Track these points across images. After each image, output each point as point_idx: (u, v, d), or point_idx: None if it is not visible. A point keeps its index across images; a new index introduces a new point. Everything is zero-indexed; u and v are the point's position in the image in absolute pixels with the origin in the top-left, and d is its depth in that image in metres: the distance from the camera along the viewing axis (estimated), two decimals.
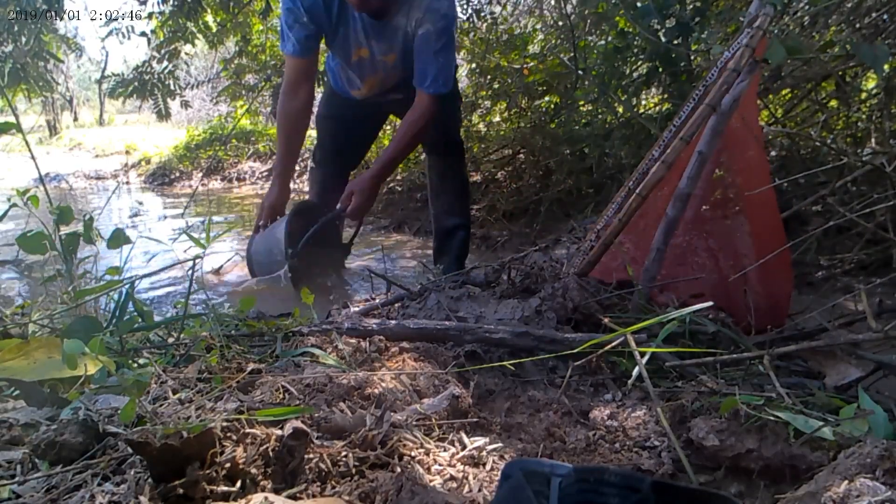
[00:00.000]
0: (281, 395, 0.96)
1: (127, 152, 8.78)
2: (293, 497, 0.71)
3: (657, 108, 3.32)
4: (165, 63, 4.44)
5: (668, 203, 1.43)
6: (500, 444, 0.90)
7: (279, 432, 0.76)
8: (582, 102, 3.56)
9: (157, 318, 1.40)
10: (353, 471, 0.77)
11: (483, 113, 4.37)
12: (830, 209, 2.16)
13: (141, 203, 5.41)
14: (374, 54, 2.09)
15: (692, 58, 2.58)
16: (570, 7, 3.53)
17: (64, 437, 0.82)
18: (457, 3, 2.99)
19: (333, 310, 1.59)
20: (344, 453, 0.78)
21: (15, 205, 1.37)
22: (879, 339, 1.06)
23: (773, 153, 2.76)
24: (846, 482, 0.66)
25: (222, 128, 7.47)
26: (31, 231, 1.36)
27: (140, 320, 1.33)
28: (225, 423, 0.75)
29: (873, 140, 2.41)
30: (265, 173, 6.71)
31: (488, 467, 0.83)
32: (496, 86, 4.06)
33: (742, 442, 0.85)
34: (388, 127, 4.37)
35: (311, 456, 0.76)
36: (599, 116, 3.57)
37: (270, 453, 0.73)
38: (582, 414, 1.03)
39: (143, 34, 4.35)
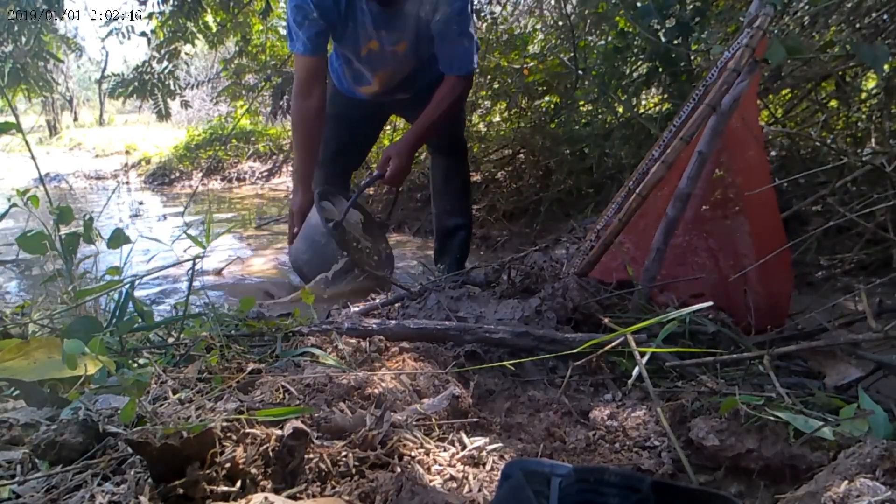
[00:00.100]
0: (281, 395, 0.96)
1: (127, 152, 8.78)
2: (293, 497, 0.71)
3: (657, 108, 3.32)
4: (165, 63, 4.44)
5: (668, 203, 1.43)
6: (500, 444, 0.90)
7: (279, 432, 0.76)
8: (582, 102, 3.56)
9: (157, 318, 1.40)
10: (353, 471, 0.77)
11: (483, 113, 4.37)
12: (830, 209, 2.16)
13: (141, 203, 5.41)
14: (384, 46, 2.07)
15: (692, 58, 2.58)
16: (570, 7, 3.53)
17: (64, 437, 0.82)
18: None
19: (333, 310, 1.59)
20: (344, 453, 0.78)
21: (15, 205, 1.37)
22: (879, 339, 1.06)
23: (773, 153, 2.76)
24: (846, 482, 0.66)
25: (222, 128, 7.47)
26: (31, 231, 1.36)
27: (140, 320, 1.33)
28: (225, 423, 0.75)
29: (873, 140, 2.41)
30: (265, 173, 6.71)
31: (488, 467, 0.83)
32: (496, 86, 4.06)
33: (742, 442, 0.85)
34: (388, 127, 4.38)
35: (311, 456, 0.76)
36: (599, 116, 3.57)
37: (270, 453, 0.73)
38: (582, 414, 1.03)
39: (143, 34, 4.35)
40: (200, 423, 0.79)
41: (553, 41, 3.91)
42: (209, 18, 4.36)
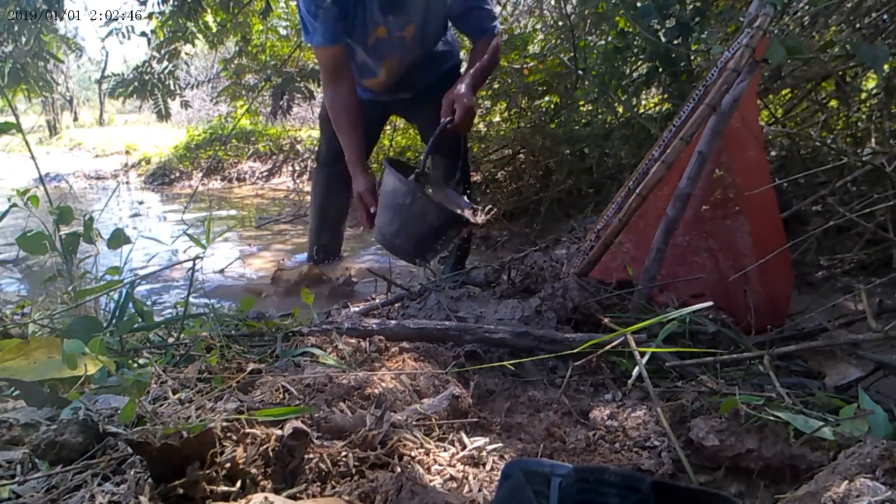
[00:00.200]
0: (281, 395, 0.97)
1: (127, 152, 8.78)
2: (293, 497, 0.71)
3: (657, 108, 3.32)
4: (165, 63, 4.44)
5: (668, 203, 1.43)
6: (500, 444, 0.90)
7: (279, 432, 0.76)
8: (582, 102, 3.56)
9: (157, 318, 1.40)
10: (353, 471, 0.77)
11: (483, 113, 4.36)
12: (830, 209, 2.16)
13: (141, 203, 5.41)
14: (391, 32, 2.06)
15: (692, 58, 2.58)
16: (570, 7, 3.53)
17: (64, 437, 0.82)
18: None
19: (333, 310, 1.59)
20: (344, 453, 0.78)
21: (15, 205, 1.37)
22: (879, 339, 1.06)
23: (773, 153, 2.76)
24: (846, 482, 0.66)
25: (222, 128, 7.46)
26: (31, 231, 1.36)
27: (140, 320, 1.33)
28: (225, 423, 0.75)
29: (873, 140, 2.41)
30: (265, 173, 6.71)
31: (488, 467, 0.83)
32: (496, 86, 4.06)
33: (742, 442, 0.85)
34: (388, 127, 4.38)
35: (311, 456, 0.76)
36: (599, 116, 3.57)
37: (270, 453, 0.73)
38: (582, 414, 1.03)
39: (143, 34, 4.34)
40: (200, 423, 0.79)
41: (553, 41, 3.90)
42: (209, 18, 4.36)
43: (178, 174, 7.15)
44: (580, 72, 3.28)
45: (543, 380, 1.18)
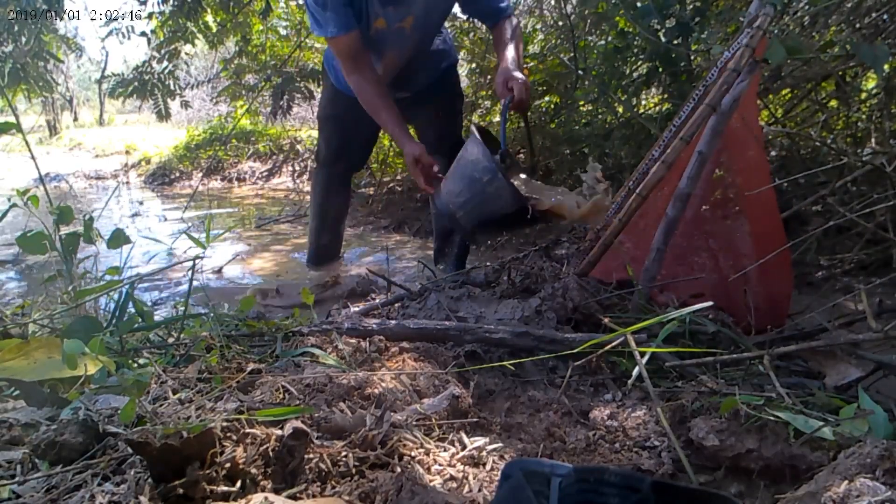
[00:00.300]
0: (281, 395, 0.97)
1: (127, 152, 8.78)
2: (293, 497, 0.71)
3: (657, 108, 3.32)
4: (165, 63, 4.44)
5: (668, 203, 1.43)
6: (500, 444, 0.90)
7: (279, 432, 0.76)
8: (582, 102, 3.55)
9: (157, 318, 1.40)
10: (353, 471, 0.77)
11: (483, 113, 4.37)
12: (830, 209, 2.16)
13: (141, 203, 5.41)
14: (390, 23, 2.05)
15: (692, 58, 2.58)
16: (570, 7, 3.53)
17: (64, 437, 0.82)
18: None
19: (333, 310, 1.59)
20: (344, 453, 0.78)
21: (15, 205, 1.37)
22: (879, 339, 1.06)
23: (773, 153, 2.76)
24: (846, 482, 0.66)
25: (222, 128, 7.46)
26: (31, 231, 1.36)
27: (140, 320, 1.33)
28: (225, 423, 0.76)
29: (873, 140, 2.41)
30: (265, 173, 6.71)
31: (488, 467, 0.83)
32: None
33: (742, 442, 0.85)
34: None
35: (311, 456, 0.76)
36: (599, 116, 3.57)
37: (270, 453, 0.73)
38: (582, 414, 1.03)
39: (143, 34, 4.34)
40: (200, 423, 0.79)
41: (553, 41, 3.90)
42: (209, 18, 4.36)
43: (178, 174, 7.15)
44: (580, 72, 3.28)
45: (543, 380, 1.18)
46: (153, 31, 4.28)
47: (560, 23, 3.66)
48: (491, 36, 2.27)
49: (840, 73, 2.45)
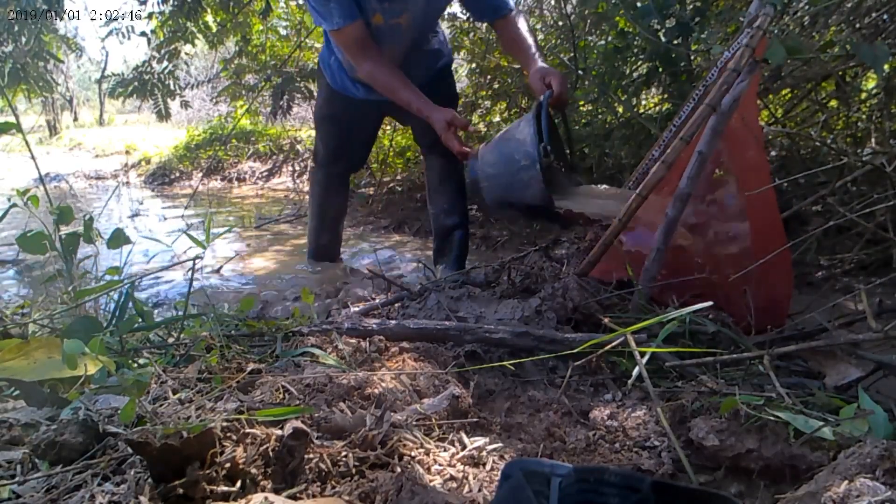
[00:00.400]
0: (281, 395, 0.97)
1: (127, 152, 8.78)
2: (293, 497, 0.71)
3: (657, 108, 3.32)
4: (165, 63, 4.44)
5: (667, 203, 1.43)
6: (500, 444, 0.90)
7: (279, 432, 0.76)
8: (582, 102, 3.56)
9: (157, 318, 1.40)
10: (353, 471, 0.77)
11: (483, 113, 4.37)
12: (830, 209, 2.16)
13: (141, 203, 5.41)
14: (386, 19, 2.05)
15: (692, 58, 2.58)
16: (570, 7, 3.53)
17: (64, 437, 0.82)
18: (455, 4, 2.98)
19: (333, 310, 1.59)
20: (344, 453, 0.78)
21: (15, 205, 1.37)
22: (879, 339, 1.06)
23: (773, 153, 2.76)
24: (846, 482, 0.66)
25: (222, 128, 7.46)
26: (31, 231, 1.36)
27: (140, 320, 1.33)
28: (225, 423, 0.76)
29: (873, 140, 2.41)
30: (265, 173, 6.71)
31: (488, 467, 0.83)
32: (496, 86, 4.06)
33: (742, 442, 0.85)
34: (388, 127, 4.38)
35: (311, 456, 0.76)
36: (599, 116, 3.57)
37: (270, 453, 0.73)
38: (582, 414, 1.03)
39: (143, 34, 4.34)
40: (200, 423, 0.79)
41: (553, 41, 3.90)
42: (209, 18, 4.36)
43: (178, 174, 7.15)
44: (580, 72, 3.28)
45: (543, 380, 1.18)
46: (153, 31, 4.28)
47: (560, 23, 3.66)
48: (494, 35, 2.25)
49: (840, 73, 2.45)
